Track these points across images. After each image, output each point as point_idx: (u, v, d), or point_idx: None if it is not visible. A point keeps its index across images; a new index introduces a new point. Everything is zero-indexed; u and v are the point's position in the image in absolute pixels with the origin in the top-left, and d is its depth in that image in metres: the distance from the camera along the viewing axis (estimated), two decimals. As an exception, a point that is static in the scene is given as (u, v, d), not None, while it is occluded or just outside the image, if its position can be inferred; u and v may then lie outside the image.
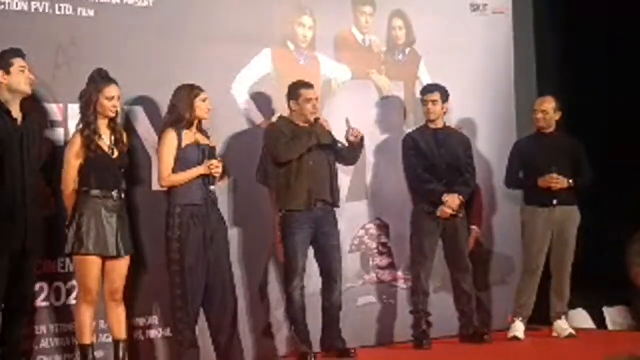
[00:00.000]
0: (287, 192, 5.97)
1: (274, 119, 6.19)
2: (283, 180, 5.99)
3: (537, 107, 6.84)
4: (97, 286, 5.17)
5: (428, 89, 6.62)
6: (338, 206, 6.14)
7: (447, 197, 6.42)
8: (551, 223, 6.73)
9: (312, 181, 5.99)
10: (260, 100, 6.28)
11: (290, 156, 5.96)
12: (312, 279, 6.12)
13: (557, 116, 6.82)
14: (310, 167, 5.99)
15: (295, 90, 6.07)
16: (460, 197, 6.46)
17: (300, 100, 6.03)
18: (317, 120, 6.07)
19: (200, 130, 5.59)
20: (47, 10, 5.47)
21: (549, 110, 6.79)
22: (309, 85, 6.09)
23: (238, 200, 6.10)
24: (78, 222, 5.10)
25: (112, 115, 5.25)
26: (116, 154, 5.25)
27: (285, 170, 5.98)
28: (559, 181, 6.62)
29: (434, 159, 6.51)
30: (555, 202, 6.67)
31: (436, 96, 6.54)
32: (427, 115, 6.59)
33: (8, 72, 4.91)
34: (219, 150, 5.74)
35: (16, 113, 4.94)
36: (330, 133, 6.18)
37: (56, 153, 5.37)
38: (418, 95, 6.90)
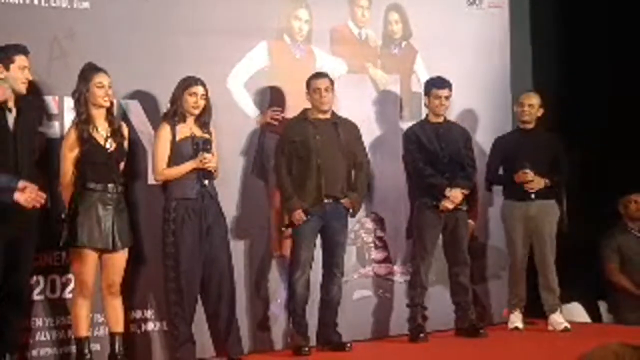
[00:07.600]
0: (298, 189, 5.97)
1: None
2: (294, 176, 6.01)
3: (523, 100, 6.88)
4: (93, 279, 5.16)
5: (440, 84, 6.53)
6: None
7: (449, 191, 6.42)
8: (528, 217, 6.76)
9: (322, 178, 5.99)
10: (256, 93, 6.26)
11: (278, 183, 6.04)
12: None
13: (540, 112, 6.87)
14: (318, 165, 5.99)
15: (308, 81, 6.10)
16: (463, 191, 6.46)
17: (310, 91, 6.07)
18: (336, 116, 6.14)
19: (200, 123, 5.56)
20: (42, 3, 5.45)
21: (535, 104, 6.84)
22: (319, 75, 6.12)
23: (233, 194, 6.10)
24: (72, 215, 5.09)
25: (106, 104, 5.23)
26: (113, 146, 5.23)
27: (295, 169, 5.99)
28: (528, 175, 6.63)
29: (435, 152, 6.50)
30: (532, 196, 6.69)
31: (448, 92, 6.53)
32: (436, 109, 6.54)
33: (7, 68, 4.89)
34: (214, 143, 5.70)
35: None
36: (355, 126, 6.22)
37: (52, 146, 5.36)
38: (414, 89, 6.91)
